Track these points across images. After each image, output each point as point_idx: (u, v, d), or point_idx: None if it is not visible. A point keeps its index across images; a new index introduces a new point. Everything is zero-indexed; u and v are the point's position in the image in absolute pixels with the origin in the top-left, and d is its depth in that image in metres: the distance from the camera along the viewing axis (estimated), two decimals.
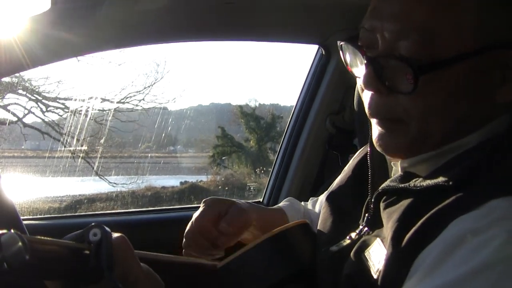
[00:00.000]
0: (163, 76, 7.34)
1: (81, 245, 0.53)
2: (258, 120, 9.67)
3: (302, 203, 1.13)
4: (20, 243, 0.42)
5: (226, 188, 8.09)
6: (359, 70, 0.68)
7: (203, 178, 8.69)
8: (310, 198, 1.12)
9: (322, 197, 0.99)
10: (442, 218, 0.56)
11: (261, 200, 1.94)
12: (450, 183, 0.59)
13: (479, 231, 0.52)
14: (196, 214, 0.91)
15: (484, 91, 0.63)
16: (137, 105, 7.16)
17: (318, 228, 0.85)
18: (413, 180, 0.65)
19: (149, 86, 7.23)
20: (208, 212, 0.90)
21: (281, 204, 1.08)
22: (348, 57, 0.72)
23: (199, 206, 0.93)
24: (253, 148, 9.59)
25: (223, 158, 9.40)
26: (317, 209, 1.02)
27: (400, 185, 0.66)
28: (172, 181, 8.24)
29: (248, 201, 1.09)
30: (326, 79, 1.73)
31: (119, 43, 1.35)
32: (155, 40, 1.35)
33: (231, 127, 9.85)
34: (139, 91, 7.13)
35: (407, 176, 0.67)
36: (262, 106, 10.06)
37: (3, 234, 0.42)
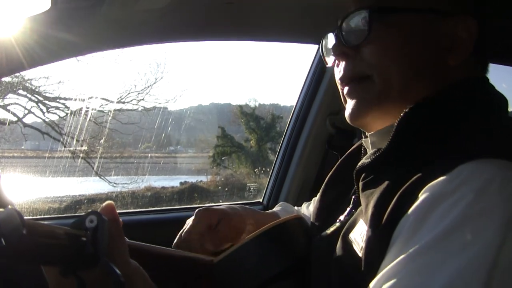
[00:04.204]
0: (163, 76, 7.35)
1: (78, 231, 0.53)
2: (258, 120, 9.67)
3: (295, 207, 1.15)
4: (18, 219, 0.42)
5: (226, 188, 8.09)
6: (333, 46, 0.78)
7: (203, 178, 8.69)
8: (304, 203, 1.13)
9: (316, 198, 1.01)
10: (415, 190, 0.58)
11: (261, 200, 1.94)
12: (409, 152, 0.64)
13: (447, 194, 0.55)
14: (186, 227, 0.92)
15: (436, 49, 0.70)
16: (137, 105, 7.17)
17: (312, 216, 0.88)
18: (379, 153, 0.69)
19: (149, 86, 7.24)
20: (196, 226, 0.91)
21: (274, 209, 1.11)
22: (327, 46, 0.84)
23: (199, 207, 0.94)
24: (253, 148, 9.59)
25: (223, 158, 9.40)
26: (311, 210, 1.03)
27: (367, 161, 0.71)
28: (172, 182, 8.24)
29: (247, 201, 1.09)
30: (326, 79, 1.73)
31: (119, 43, 1.35)
32: (155, 40, 1.35)
33: (231, 127, 9.86)
34: (139, 91, 7.14)
35: (377, 152, 0.71)
36: (262, 106, 10.08)
37: (0, 210, 0.42)
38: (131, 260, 0.61)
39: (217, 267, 0.78)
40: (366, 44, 0.72)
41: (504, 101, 0.72)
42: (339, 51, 0.75)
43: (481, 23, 0.71)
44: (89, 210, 0.55)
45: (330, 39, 0.82)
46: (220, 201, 7.38)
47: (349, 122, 0.76)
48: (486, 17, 0.74)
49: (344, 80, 0.76)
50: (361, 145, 0.85)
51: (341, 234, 0.71)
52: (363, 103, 0.73)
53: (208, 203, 6.85)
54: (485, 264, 0.49)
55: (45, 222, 0.53)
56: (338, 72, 0.77)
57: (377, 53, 0.71)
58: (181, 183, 8.20)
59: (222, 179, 8.74)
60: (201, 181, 8.52)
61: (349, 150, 0.92)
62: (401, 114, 0.68)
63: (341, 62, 0.77)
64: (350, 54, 0.74)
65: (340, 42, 0.75)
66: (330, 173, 0.92)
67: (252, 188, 7.63)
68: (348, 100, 0.76)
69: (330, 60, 0.83)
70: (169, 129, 8.08)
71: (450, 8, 0.71)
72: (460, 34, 0.70)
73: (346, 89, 0.76)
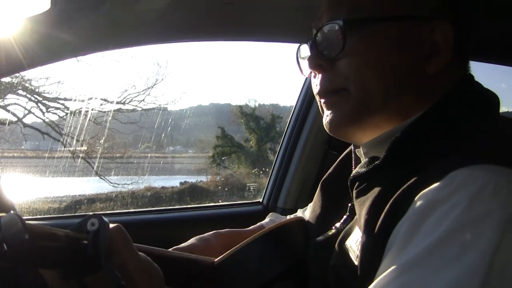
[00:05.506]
0: (164, 77, 7.35)
1: (79, 234, 0.53)
2: (258, 121, 9.67)
3: (288, 216, 1.13)
4: (20, 224, 0.42)
5: (226, 188, 8.08)
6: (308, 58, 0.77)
7: (203, 178, 8.68)
8: (299, 209, 1.12)
9: (311, 204, 1.00)
10: (408, 196, 0.58)
11: (260, 200, 1.94)
12: (404, 160, 0.63)
13: (442, 200, 0.54)
14: None
15: (414, 57, 0.69)
16: (137, 106, 7.17)
17: (308, 221, 0.87)
18: (375, 163, 0.68)
19: (149, 87, 7.24)
20: None
21: (263, 221, 1.10)
22: (302, 56, 0.82)
23: (199, 207, 0.93)
24: (253, 148, 9.59)
25: (223, 158, 9.40)
26: (306, 216, 1.02)
27: (362, 170, 0.69)
28: (172, 182, 8.24)
29: (247, 201, 1.08)
30: None
31: (119, 43, 1.35)
32: (155, 40, 1.35)
33: (231, 127, 9.86)
34: (140, 92, 7.14)
35: (372, 161, 0.70)
36: (262, 106, 10.07)
37: (3, 215, 0.42)
38: (142, 254, 0.61)
39: (218, 268, 0.78)
40: (341, 57, 0.70)
41: (495, 98, 0.71)
42: (314, 64, 0.74)
43: (458, 27, 0.69)
44: (89, 211, 0.55)
45: (305, 49, 0.80)
46: (220, 201, 7.38)
47: (328, 132, 0.75)
48: (462, 20, 0.72)
49: (321, 93, 0.75)
50: (351, 151, 0.85)
51: (338, 241, 0.71)
52: (339, 113, 0.72)
53: (208, 203, 6.85)
54: (481, 272, 0.49)
55: (45, 222, 0.53)
56: (315, 86, 0.76)
57: (354, 66, 0.69)
58: (181, 183, 8.19)
59: (222, 179, 8.73)
60: (201, 181, 8.52)
61: (340, 157, 0.92)
62: (398, 126, 0.67)
63: (317, 75, 0.75)
64: (326, 67, 0.73)
65: (315, 54, 0.74)
66: (324, 179, 0.91)
67: (252, 188, 7.62)
68: (325, 110, 0.75)
69: (306, 70, 0.81)
70: (169, 129, 8.08)
71: (425, 14, 0.69)
72: (437, 40, 0.69)
73: (323, 100, 0.75)
